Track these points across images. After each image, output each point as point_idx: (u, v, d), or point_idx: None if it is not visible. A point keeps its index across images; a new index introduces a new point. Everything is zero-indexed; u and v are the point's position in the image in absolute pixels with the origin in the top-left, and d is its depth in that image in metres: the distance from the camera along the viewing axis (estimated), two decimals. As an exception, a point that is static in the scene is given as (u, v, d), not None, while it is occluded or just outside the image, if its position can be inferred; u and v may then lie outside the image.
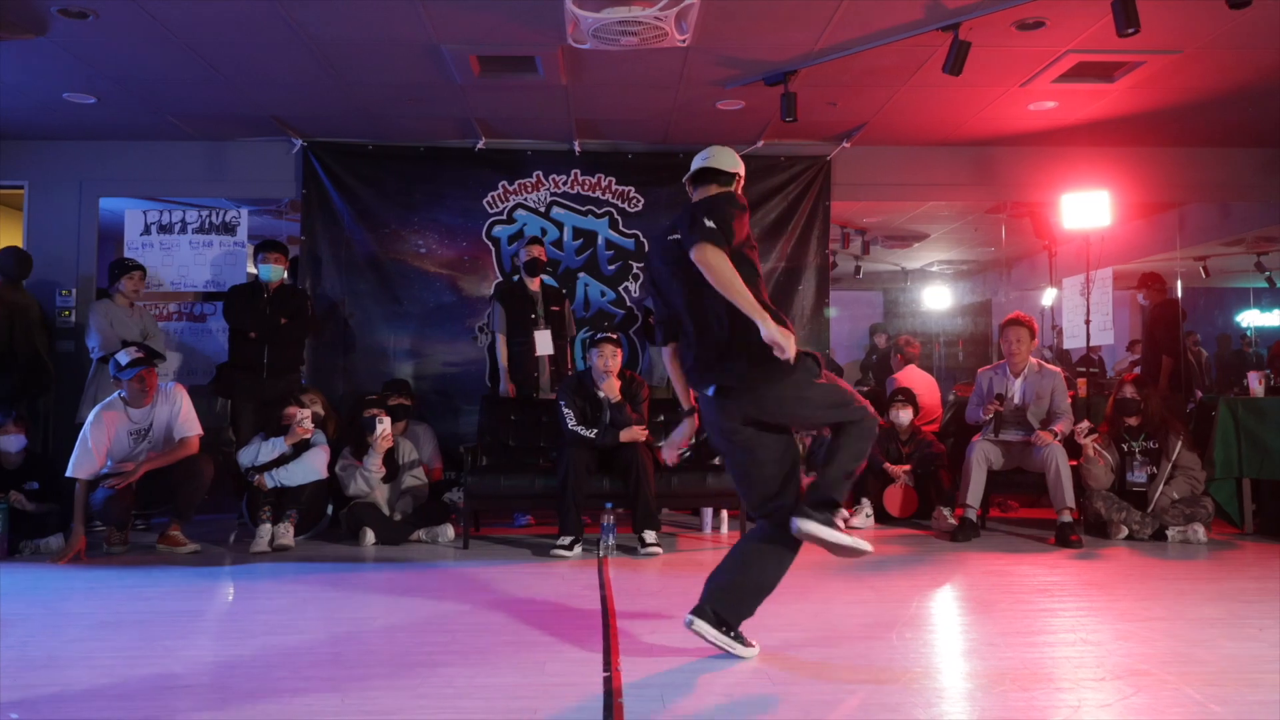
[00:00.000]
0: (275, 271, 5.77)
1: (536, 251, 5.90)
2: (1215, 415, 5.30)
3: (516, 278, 6.04)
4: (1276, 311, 11.75)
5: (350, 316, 6.44)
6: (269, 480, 5.00)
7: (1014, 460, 5.30)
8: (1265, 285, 10.58)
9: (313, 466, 5.04)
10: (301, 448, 5.09)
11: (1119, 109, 5.97)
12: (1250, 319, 11.88)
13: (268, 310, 5.72)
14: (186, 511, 4.90)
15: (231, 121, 6.20)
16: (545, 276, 6.08)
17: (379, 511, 5.09)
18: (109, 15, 4.50)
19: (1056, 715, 2.40)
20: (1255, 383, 5.39)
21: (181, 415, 4.90)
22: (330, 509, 5.34)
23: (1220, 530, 5.22)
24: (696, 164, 3.03)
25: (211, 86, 5.49)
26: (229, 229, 6.54)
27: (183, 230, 6.51)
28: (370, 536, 5.01)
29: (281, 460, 5.05)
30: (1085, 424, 5.17)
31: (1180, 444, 5.12)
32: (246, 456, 5.09)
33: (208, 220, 6.53)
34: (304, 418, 5.04)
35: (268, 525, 4.86)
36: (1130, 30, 4.12)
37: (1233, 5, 3.88)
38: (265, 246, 5.85)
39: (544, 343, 5.77)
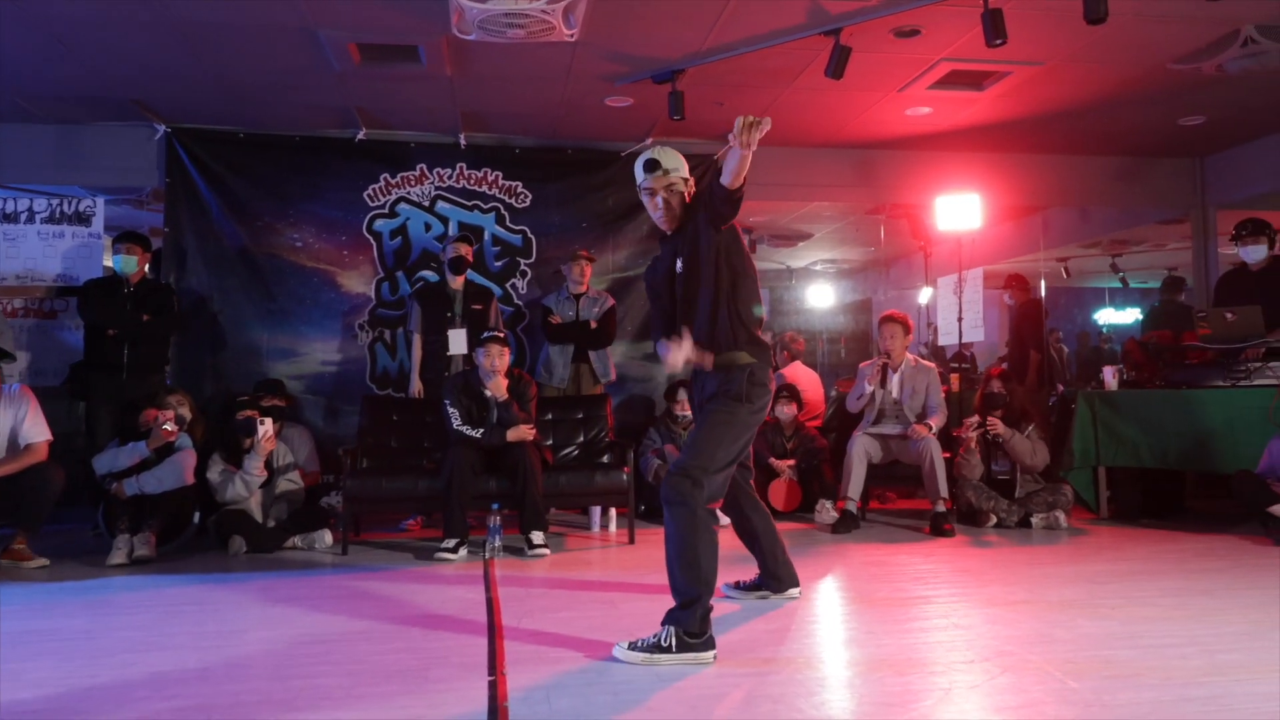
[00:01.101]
0: (130, 264, 5.47)
1: (463, 250, 5.84)
2: (1074, 408, 5.64)
3: (434, 276, 6.01)
4: (1129, 310, 12.63)
5: (219, 313, 6.16)
6: (128, 487, 4.74)
7: (891, 454, 5.52)
8: (1119, 285, 11.35)
9: (177, 472, 4.80)
10: (164, 452, 4.84)
11: (989, 116, 6.29)
12: (1106, 317, 12.73)
13: (128, 306, 5.43)
14: (34, 523, 4.59)
15: (86, 104, 5.84)
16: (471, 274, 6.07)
17: (251, 518, 4.90)
18: (-59, -16, 4.17)
19: (929, 698, 2.52)
20: (1110, 377, 5.76)
21: (28, 419, 4.59)
22: (197, 517, 5.10)
23: (1079, 516, 5.57)
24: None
25: (63, 65, 5.16)
26: (83, 219, 6.15)
27: (30, 219, 6.09)
28: (240, 545, 4.81)
29: (143, 466, 4.79)
30: (975, 419, 5.40)
31: (1029, 430, 5.40)
32: (103, 463, 4.81)
33: (59, 209, 6.13)
34: (166, 420, 4.79)
35: (126, 536, 4.60)
36: (998, 41, 4.35)
37: (1090, 21, 4.14)
38: (123, 238, 5.55)
39: (457, 342, 5.67)
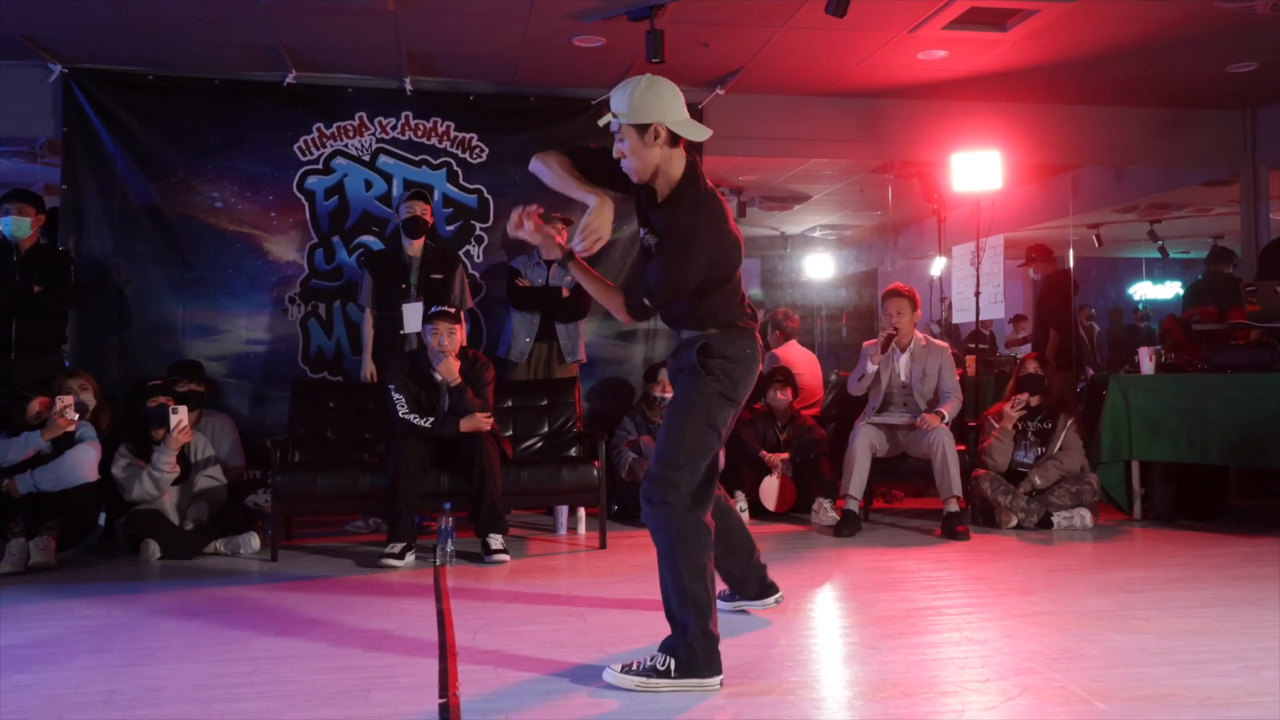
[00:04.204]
0: (18, 226, 5.40)
1: (420, 209, 5.73)
2: (1106, 394, 5.71)
3: (383, 242, 5.96)
4: (1169, 283, 12.77)
5: (126, 284, 6.09)
6: (22, 485, 4.69)
7: (899, 446, 5.57)
8: (1158, 255, 11.46)
9: (78, 467, 4.76)
10: (64, 444, 4.80)
11: (1012, 61, 6.31)
12: (1142, 291, 12.86)
13: (17, 276, 5.36)
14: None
15: (-34, 39, 5.73)
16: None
17: (165, 520, 4.87)
18: None
19: (939, 722, 2.56)
20: (1145, 359, 5.82)
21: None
22: (103, 519, 5.07)
23: (1108, 517, 5.64)
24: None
25: (-62, -6, 5.06)
26: (-34, 174, 6.07)
27: (-97, 175, 6.00)
28: (154, 550, 4.79)
29: (38, 460, 4.75)
30: (1024, 396, 5.47)
31: (1069, 425, 5.50)
32: (-8, 456, 4.77)
33: (-63, 163, 6.04)
34: (65, 406, 4.74)
35: (21, 540, 4.55)
36: (1023, -25, 4.37)
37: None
38: (13, 196, 5.47)
39: (412, 318, 5.60)
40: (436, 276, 5.74)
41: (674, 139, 2.91)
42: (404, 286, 5.68)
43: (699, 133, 2.95)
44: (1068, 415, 5.54)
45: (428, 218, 5.80)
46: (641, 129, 2.87)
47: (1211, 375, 5.50)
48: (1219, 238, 10.35)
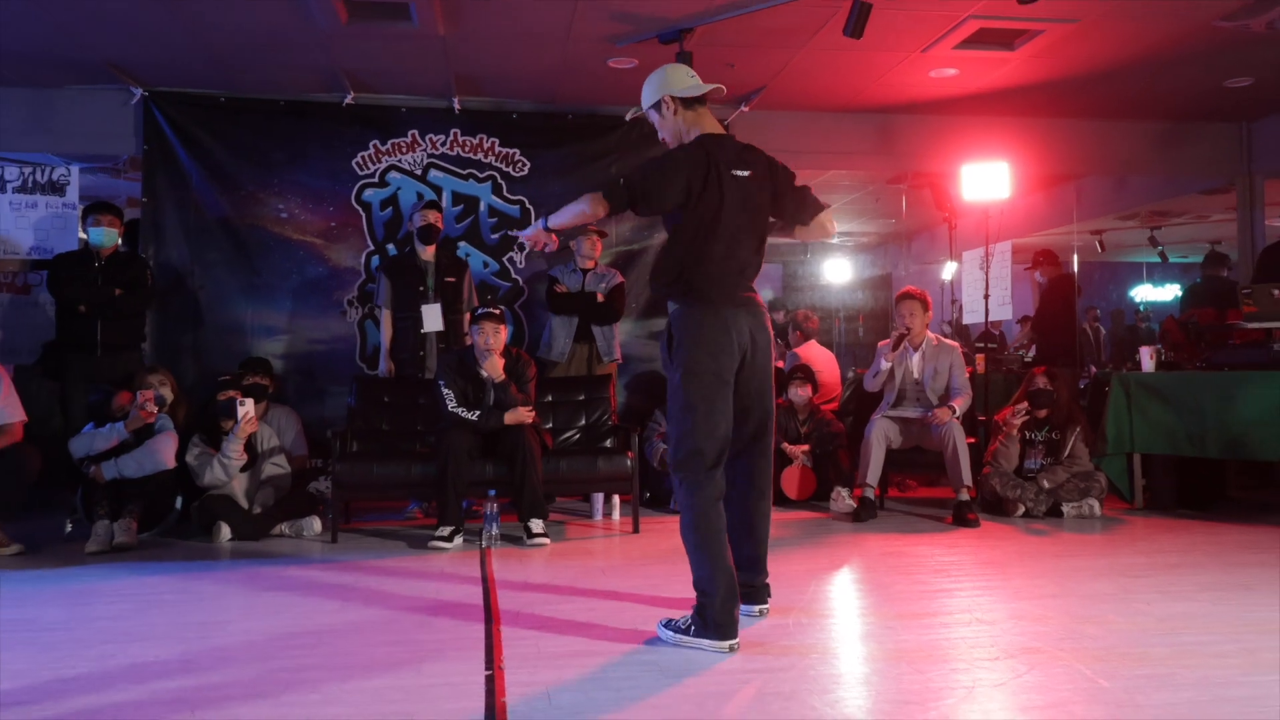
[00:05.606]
0: (107, 236, 5.49)
1: (433, 217, 5.80)
2: (1109, 391, 5.63)
3: (408, 248, 5.98)
4: (1168, 286, 12.57)
5: (200, 288, 6.17)
6: (107, 471, 4.76)
7: (913, 438, 5.52)
8: (1158, 260, 11.28)
9: (158, 455, 4.82)
10: (144, 434, 4.86)
11: (1019, 78, 6.23)
12: (1143, 294, 12.67)
13: (99, 280, 5.45)
14: (7, 508, 4.62)
15: (58, 66, 5.82)
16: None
17: (235, 504, 4.93)
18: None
19: (951, 696, 2.53)
20: (1147, 358, 5.74)
21: (1, 399, 4.61)
22: (179, 503, 5.13)
23: (1112, 506, 5.56)
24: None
25: (32, 25, 5.14)
26: (57, 188, 6.16)
27: (1, 189, 6.10)
28: (225, 532, 4.84)
29: (122, 448, 4.82)
30: (1024, 405, 5.41)
31: (1076, 435, 5.42)
32: (79, 445, 4.84)
33: (31, 178, 6.13)
34: (146, 400, 4.81)
35: (106, 522, 4.63)
36: (1030, -3, 4.32)
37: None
38: (95, 208, 5.57)
39: (432, 318, 5.64)
40: (450, 280, 5.78)
41: (688, 103, 3.22)
42: (422, 289, 5.71)
43: (701, 89, 3.23)
44: (1074, 426, 5.47)
45: (439, 224, 5.86)
46: (657, 106, 3.26)
47: (1209, 373, 5.41)
48: (1216, 243, 10.16)
